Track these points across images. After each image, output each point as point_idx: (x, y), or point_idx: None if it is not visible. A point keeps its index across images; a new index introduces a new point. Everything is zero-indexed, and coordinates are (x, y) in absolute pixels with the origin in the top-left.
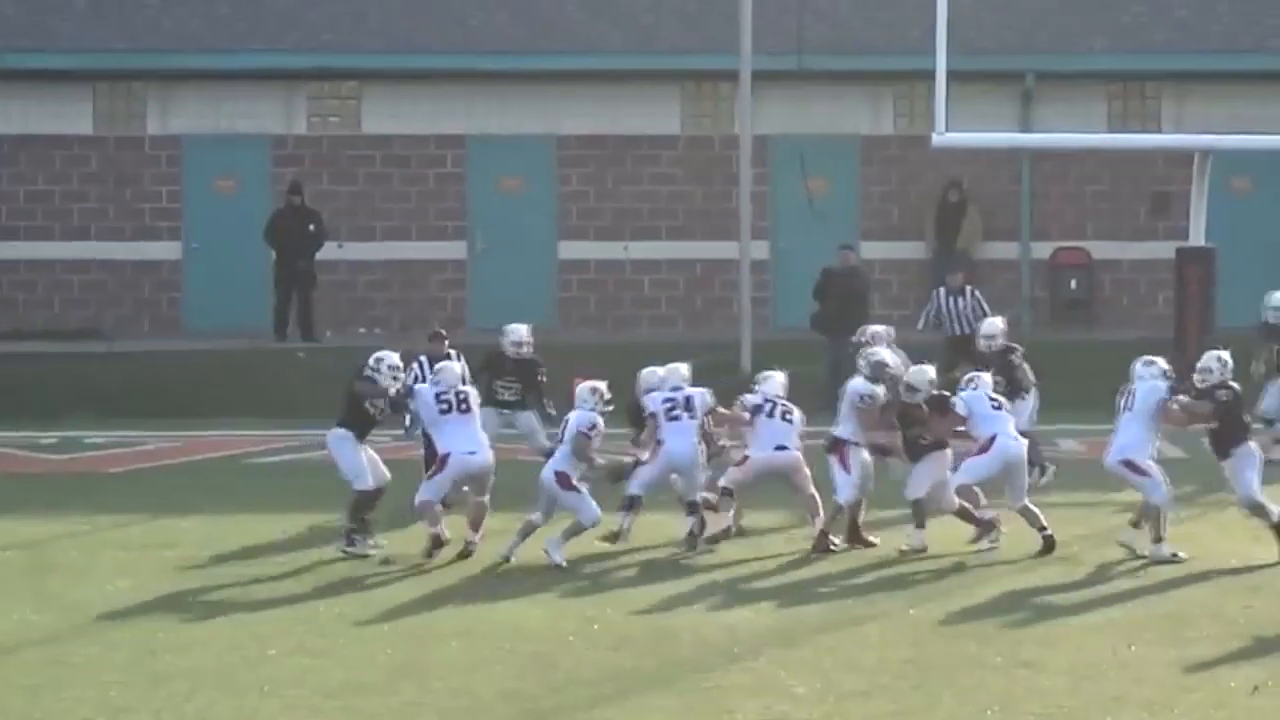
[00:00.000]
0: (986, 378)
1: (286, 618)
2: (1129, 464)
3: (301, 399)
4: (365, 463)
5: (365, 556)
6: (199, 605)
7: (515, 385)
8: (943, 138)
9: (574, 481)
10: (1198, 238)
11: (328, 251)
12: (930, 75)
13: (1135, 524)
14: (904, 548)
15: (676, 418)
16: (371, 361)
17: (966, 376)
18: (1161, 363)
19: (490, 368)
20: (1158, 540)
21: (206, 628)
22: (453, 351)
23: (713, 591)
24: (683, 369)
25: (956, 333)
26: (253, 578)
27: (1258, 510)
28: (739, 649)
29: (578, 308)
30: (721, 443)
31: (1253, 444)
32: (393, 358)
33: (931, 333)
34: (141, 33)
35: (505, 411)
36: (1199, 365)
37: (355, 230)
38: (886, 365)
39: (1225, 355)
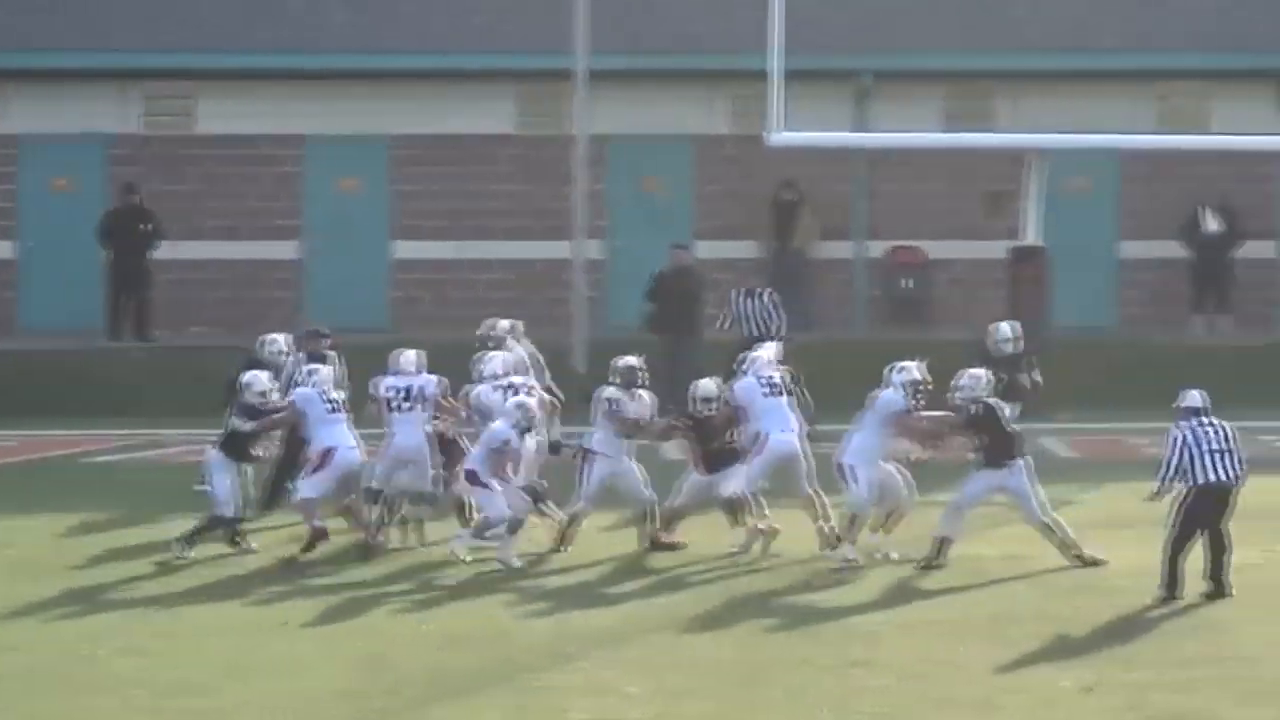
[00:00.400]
0: (765, 354)
1: (120, 618)
2: (845, 468)
3: (136, 398)
4: (234, 491)
5: (181, 560)
6: (33, 605)
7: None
8: (777, 137)
9: (484, 478)
10: (1031, 236)
11: (162, 251)
12: (763, 74)
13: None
14: (734, 549)
15: (403, 408)
16: (251, 396)
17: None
18: (914, 370)
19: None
20: (851, 542)
21: (40, 628)
22: (332, 353)
23: (544, 593)
24: (410, 355)
25: (750, 334)
26: (88, 578)
27: (1046, 532)
28: (571, 649)
29: (412, 307)
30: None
31: (1023, 462)
32: (261, 381)
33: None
34: None
35: None
36: (958, 382)
37: (190, 230)
38: (636, 368)
39: (982, 373)
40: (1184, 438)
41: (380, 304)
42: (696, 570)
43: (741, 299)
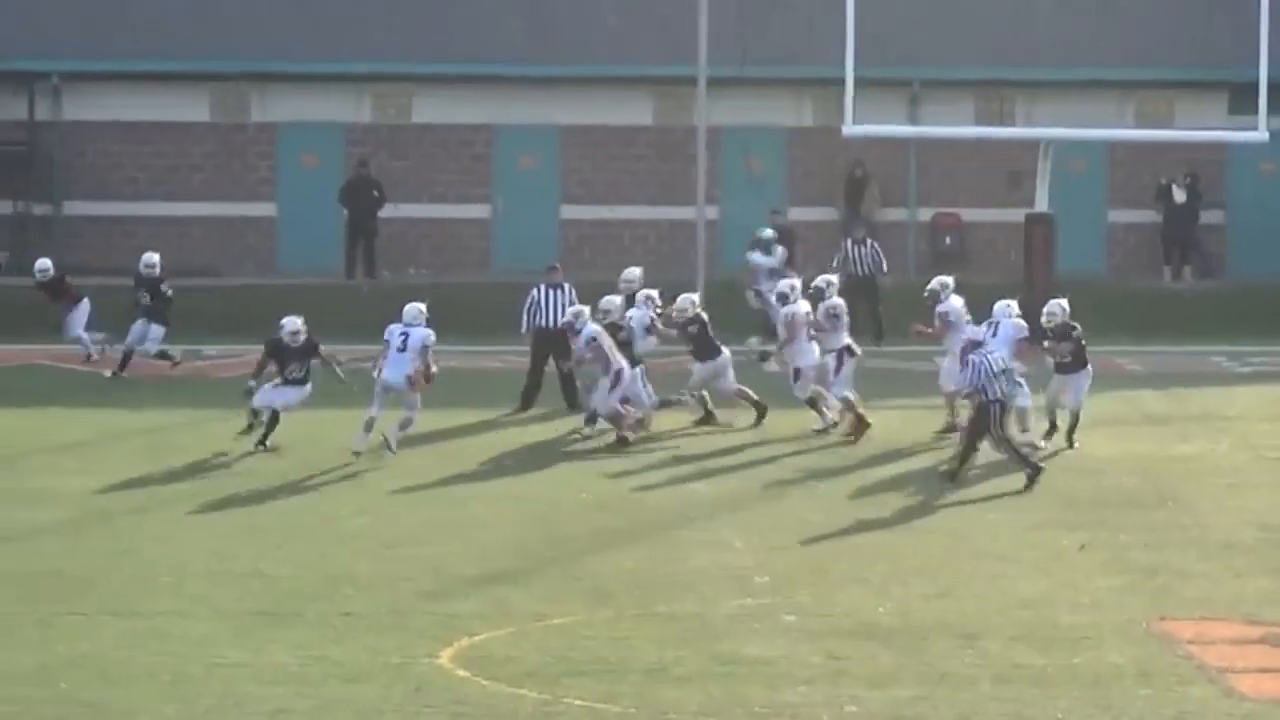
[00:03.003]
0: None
1: (351, 487)
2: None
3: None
4: None
5: None
6: (290, 482)
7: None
8: (851, 129)
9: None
10: (1042, 206)
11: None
12: (840, 81)
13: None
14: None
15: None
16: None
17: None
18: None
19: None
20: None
21: (294, 498)
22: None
23: (674, 468)
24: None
25: (858, 274)
26: (318, 460)
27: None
28: (693, 513)
29: (579, 255)
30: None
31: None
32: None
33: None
34: None
35: None
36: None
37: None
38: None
39: (1064, 303)
40: None
41: (554, 251)
42: (793, 449)
43: (852, 246)
